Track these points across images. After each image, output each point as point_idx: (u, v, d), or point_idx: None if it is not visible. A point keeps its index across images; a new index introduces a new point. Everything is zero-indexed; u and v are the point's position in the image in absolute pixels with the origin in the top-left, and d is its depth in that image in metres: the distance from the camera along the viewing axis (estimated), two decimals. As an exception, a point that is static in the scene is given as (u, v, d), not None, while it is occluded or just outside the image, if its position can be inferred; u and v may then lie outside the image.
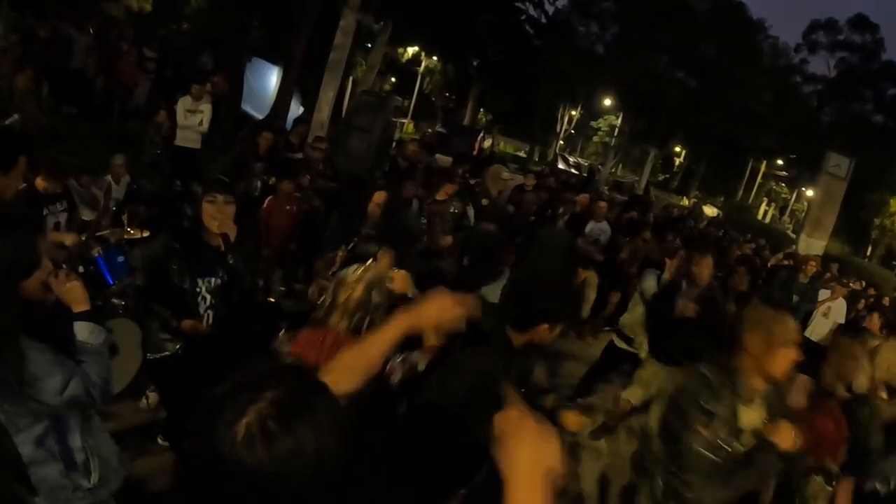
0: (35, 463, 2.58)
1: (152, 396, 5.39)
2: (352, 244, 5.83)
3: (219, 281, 4.27)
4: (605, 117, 53.01)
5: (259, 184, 8.72)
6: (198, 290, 4.18)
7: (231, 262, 4.30)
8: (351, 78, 24.71)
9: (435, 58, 46.51)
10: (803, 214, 36.67)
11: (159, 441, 4.98)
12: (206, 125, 10.88)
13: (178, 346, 4.22)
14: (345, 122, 14.01)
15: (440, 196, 7.99)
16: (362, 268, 3.57)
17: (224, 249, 4.25)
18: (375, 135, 13.13)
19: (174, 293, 4.11)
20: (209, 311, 4.25)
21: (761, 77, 42.77)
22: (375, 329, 2.28)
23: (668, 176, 54.48)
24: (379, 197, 6.16)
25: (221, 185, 4.26)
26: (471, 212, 8.40)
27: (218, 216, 4.14)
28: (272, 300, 8.25)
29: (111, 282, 5.68)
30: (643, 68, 39.81)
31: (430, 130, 28.68)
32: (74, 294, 2.78)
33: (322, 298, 3.62)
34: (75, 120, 14.78)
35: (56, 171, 6.33)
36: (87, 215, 7.21)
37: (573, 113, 49.94)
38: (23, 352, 2.44)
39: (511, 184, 12.73)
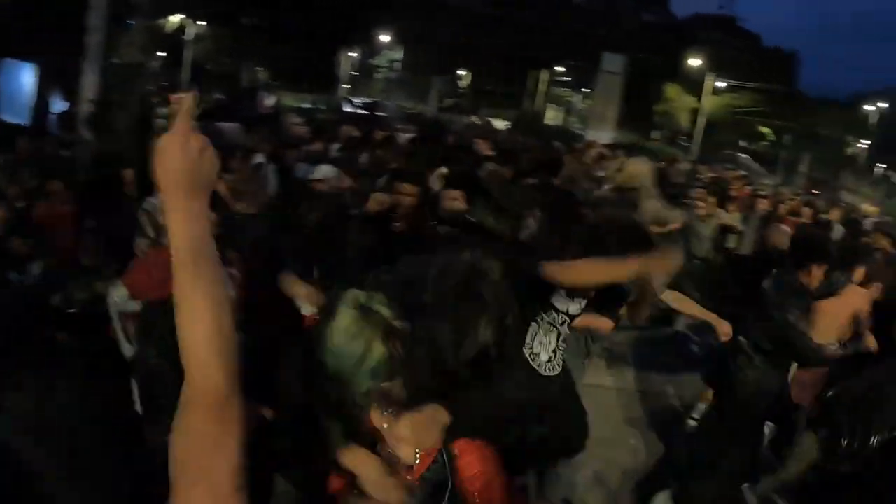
0: None
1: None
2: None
3: None
4: (384, 53, 52.97)
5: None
6: None
7: None
8: (116, 61, 23.39)
9: (202, 23, 44.79)
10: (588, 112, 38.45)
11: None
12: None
13: None
14: (100, 101, 13.28)
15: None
16: None
17: None
18: (135, 107, 12.59)
19: None
20: None
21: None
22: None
23: (456, 100, 55.30)
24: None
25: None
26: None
27: None
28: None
29: None
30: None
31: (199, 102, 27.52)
32: None
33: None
34: None
35: None
36: None
37: (352, 54, 49.56)
38: None
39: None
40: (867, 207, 26.08)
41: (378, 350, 1.94)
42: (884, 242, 11.72)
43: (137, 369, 3.77)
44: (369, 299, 2.03)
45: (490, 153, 9.91)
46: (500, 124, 31.47)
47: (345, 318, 1.97)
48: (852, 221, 14.92)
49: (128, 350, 3.78)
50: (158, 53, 45.11)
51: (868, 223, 16.44)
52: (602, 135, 28.68)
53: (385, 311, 2.01)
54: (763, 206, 13.16)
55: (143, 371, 3.66)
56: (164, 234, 3.87)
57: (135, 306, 3.67)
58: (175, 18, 44.27)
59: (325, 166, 6.57)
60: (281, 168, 8.67)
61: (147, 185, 6.75)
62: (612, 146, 19.91)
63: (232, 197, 6.89)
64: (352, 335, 1.94)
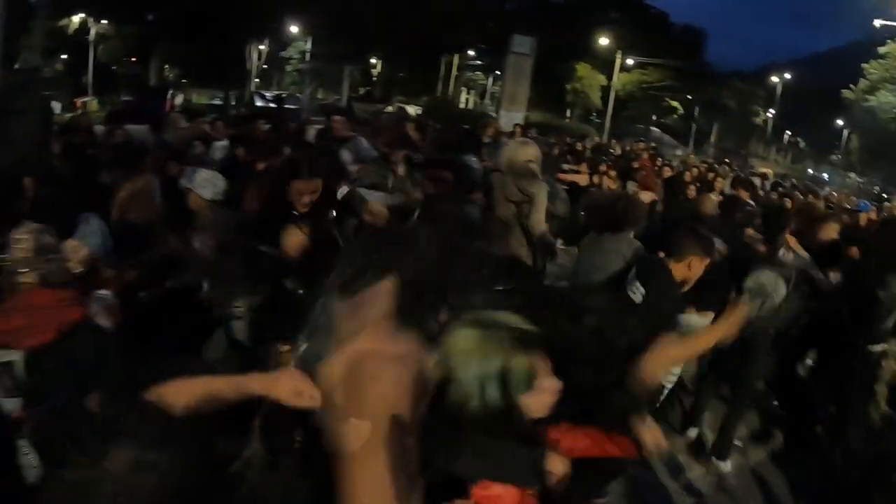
0: None
1: None
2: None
3: None
4: (294, 44, 52.27)
5: None
6: None
7: None
8: (17, 67, 22.59)
9: (105, 22, 43.26)
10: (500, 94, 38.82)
11: None
12: None
13: None
14: (-3, 108, 12.76)
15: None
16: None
17: None
18: (34, 115, 12.16)
19: None
20: None
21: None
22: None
23: (369, 89, 55.03)
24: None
25: None
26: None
27: None
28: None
29: None
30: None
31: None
32: None
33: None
34: None
35: None
36: None
37: (262, 48, 48.78)
38: None
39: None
40: (765, 170, 27.12)
41: (520, 362, 1.86)
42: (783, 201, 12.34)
43: (32, 426, 3.25)
44: (485, 316, 1.96)
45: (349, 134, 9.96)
46: (413, 111, 31.56)
47: (466, 342, 1.89)
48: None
49: (9, 405, 3.24)
50: (61, 56, 43.66)
51: (766, 185, 17.18)
52: (515, 115, 29.02)
53: (513, 320, 1.93)
54: (667, 174, 13.69)
55: (47, 423, 3.16)
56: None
57: (6, 357, 3.16)
58: (76, 18, 42.66)
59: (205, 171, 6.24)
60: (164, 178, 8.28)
61: (46, 197, 6.53)
62: (524, 126, 20.24)
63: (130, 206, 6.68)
64: (482, 356, 1.86)
